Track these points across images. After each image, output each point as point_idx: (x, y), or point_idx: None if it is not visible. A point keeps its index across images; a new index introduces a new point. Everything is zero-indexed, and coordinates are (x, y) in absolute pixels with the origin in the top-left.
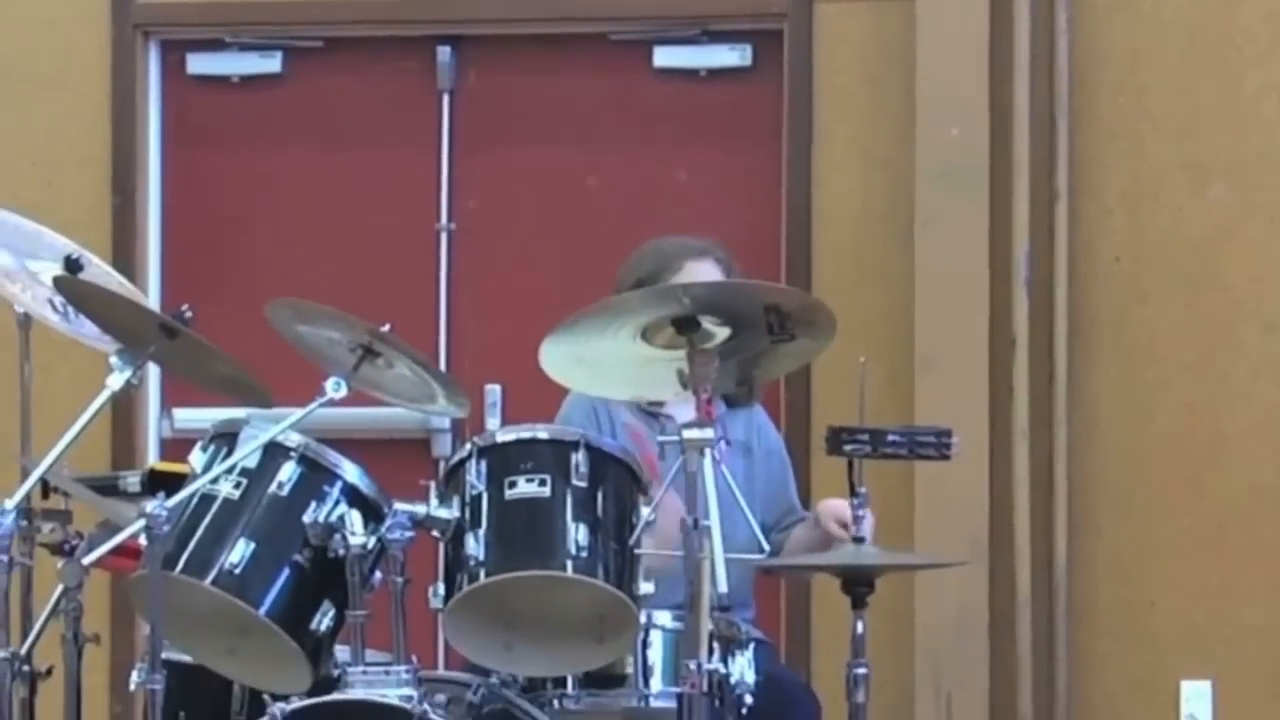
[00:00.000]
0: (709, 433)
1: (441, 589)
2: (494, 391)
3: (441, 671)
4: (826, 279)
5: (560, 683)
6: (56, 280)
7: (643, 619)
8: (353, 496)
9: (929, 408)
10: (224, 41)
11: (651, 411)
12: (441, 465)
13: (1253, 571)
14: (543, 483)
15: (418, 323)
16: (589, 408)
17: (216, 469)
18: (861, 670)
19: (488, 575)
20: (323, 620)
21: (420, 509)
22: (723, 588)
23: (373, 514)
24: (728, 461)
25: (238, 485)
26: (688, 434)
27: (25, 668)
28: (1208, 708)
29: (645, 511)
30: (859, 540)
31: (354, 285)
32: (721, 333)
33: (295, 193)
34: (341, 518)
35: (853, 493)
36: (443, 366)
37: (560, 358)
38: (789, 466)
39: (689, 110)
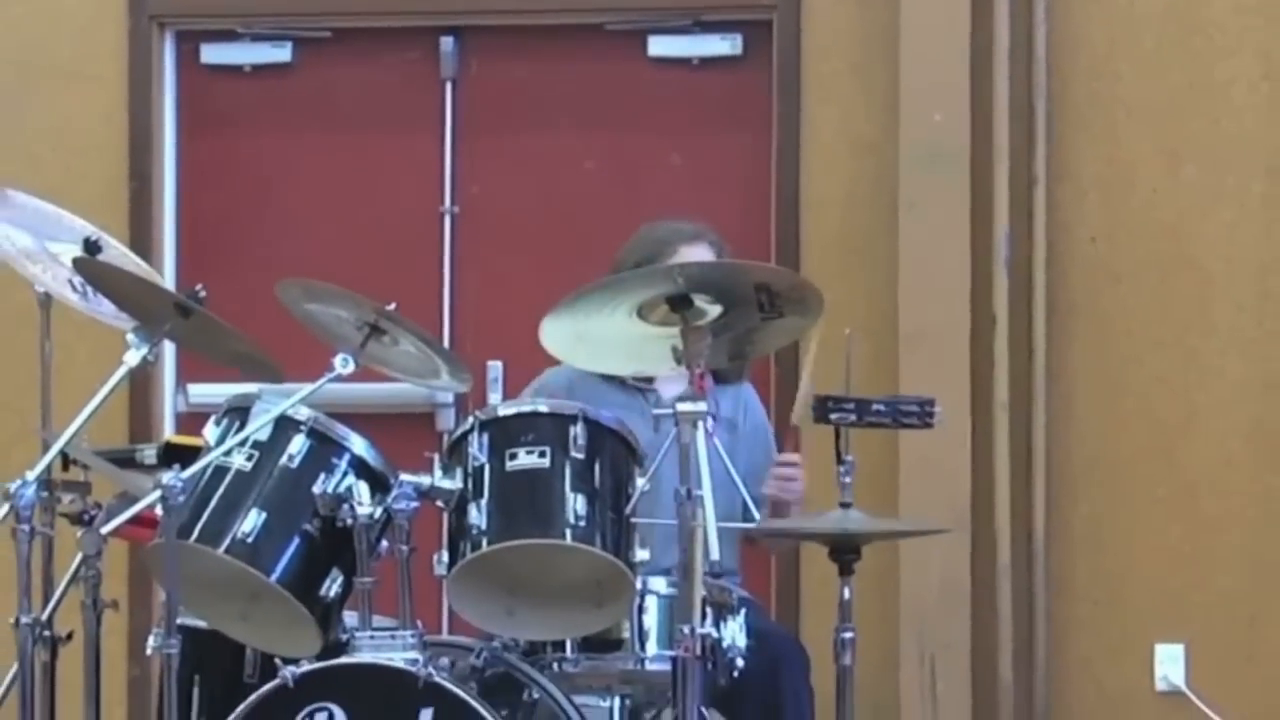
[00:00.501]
0: (701, 405)
1: (445, 557)
2: (496, 367)
3: (445, 636)
4: (814, 259)
5: (560, 646)
6: (76, 261)
7: (638, 585)
8: (360, 468)
9: (913, 383)
10: (236, 32)
11: (639, 386)
12: (445, 438)
13: (1224, 539)
14: (542, 454)
15: (422, 302)
16: (568, 382)
17: (230, 442)
18: (848, 635)
19: (490, 544)
20: (331, 587)
21: (425, 480)
22: (715, 555)
23: (379, 485)
24: (715, 435)
25: (250, 457)
26: (681, 407)
27: (46, 633)
28: (1181, 670)
29: (640, 482)
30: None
31: (361, 266)
32: (714, 310)
33: (305, 177)
34: (349, 488)
35: (839, 460)
36: (447, 343)
37: (560, 335)
38: (773, 444)
39: (682, 98)
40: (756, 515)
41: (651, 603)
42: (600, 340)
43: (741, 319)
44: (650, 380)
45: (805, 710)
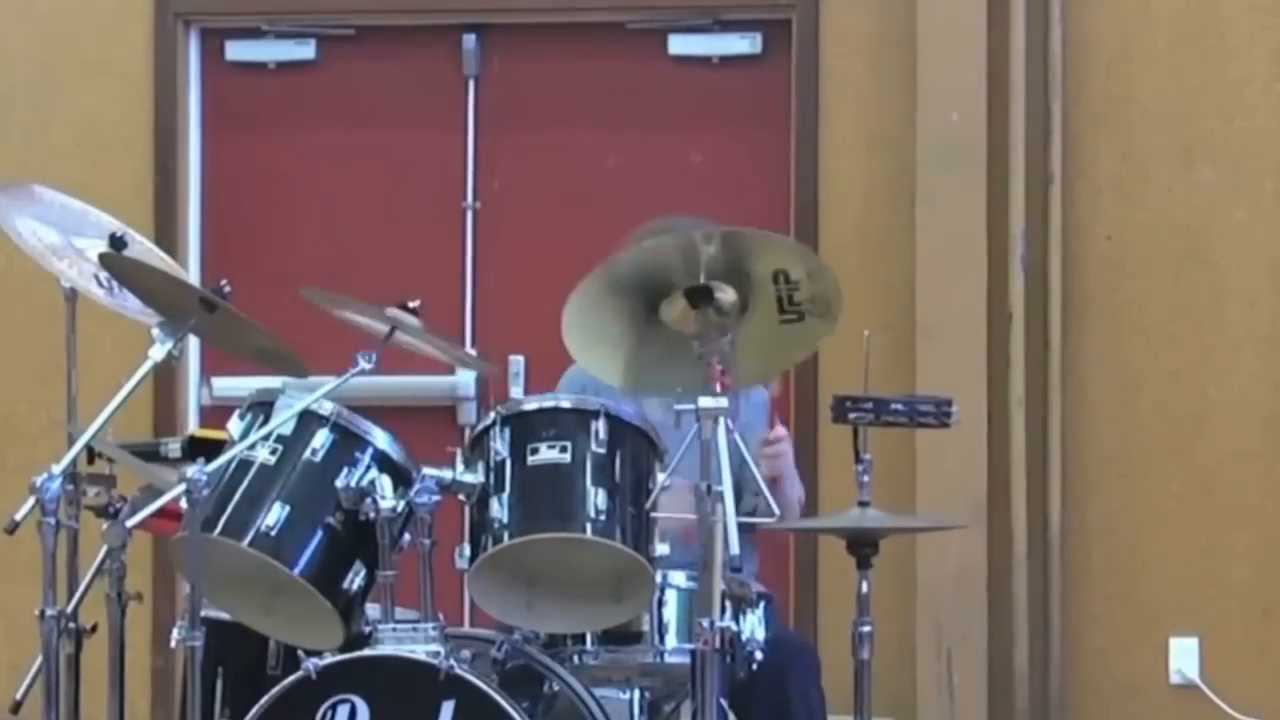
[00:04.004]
0: (722, 402)
1: (467, 550)
2: (517, 362)
3: (467, 628)
4: (832, 255)
5: (580, 639)
6: (101, 256)
7: (658, 579)
8: (383, 462)
9: (930, 377)
10: (261, 30)
11: None
12: (467, 432)
13: (1237, 533)
14: (564, 449)
15: (445, 297)
16: (579, 386)
17: (253, 436)
18: (866, 628)
19: (511, 537)
20: (354, 580)
21: (447, 474)
22: (734, 550)
23: (402, 479)
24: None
25: (274, 451)
26: (701, 403)
27: (71, 625)
28: (1195, 663)
29: (661, 477)
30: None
31: (384, 261)
32: (732, 298)
33: (328, 173)
34: (372, 482)
35: (857, 459)
36: (469, 338)
37: (578, 333)
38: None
39: (702, 95)
40: (776, 510)
41: (671, 596)
42: (617, 347)
43: (760, 318)
44: None
45: (816, 713)
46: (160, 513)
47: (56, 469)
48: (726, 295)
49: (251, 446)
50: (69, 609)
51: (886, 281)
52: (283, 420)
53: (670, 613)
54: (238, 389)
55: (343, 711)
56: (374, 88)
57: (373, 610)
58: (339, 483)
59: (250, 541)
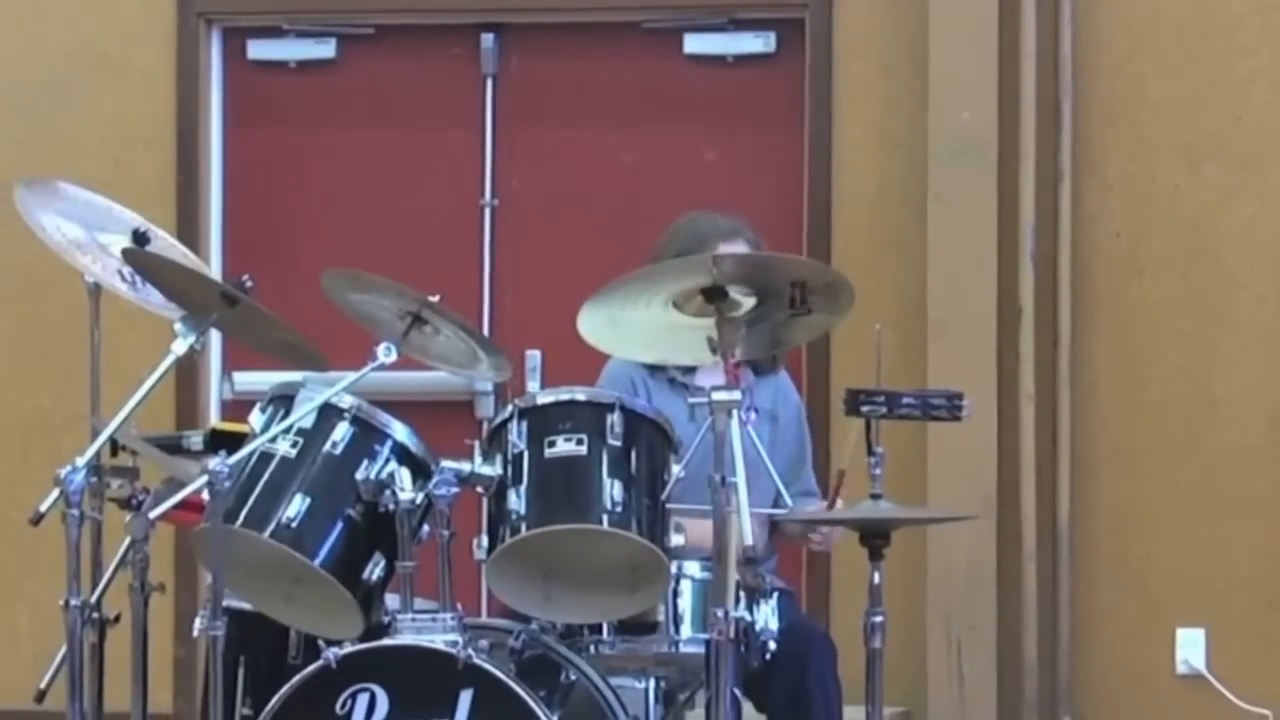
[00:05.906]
0: (736, 394)
1: (485, 541)
2: (534, 356)
3: (484, 619)
4: (845, 251)
5: (596, 629)
6: (125, 252)
7: (673, 570)
8: (402, 455)
9: (941, 372)
10: (282, 29)
11: (684, 382)
12: (485, 426)
13: (1243, 526)
14: (580, 442)
15: (463, 292)
16: (627, 378)
17: (275, 429)
18: (878, 618)
19: (528, 529)
20: (374, 570)
21: (465, 467)
22: (749, 541)
23: (421, 471)
24: (755, 428)
25: (295, 444)
26: (716, 395)
27: (95, 615)
28: (1201, 653)
29: (676, 469)
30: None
31: (403, 257)
32: (748, 303)
33: (348, 171)
34: (392, 475)
35: (870, 452)
36: (486, 333)
37: (596, 320)
38: (806, 428)
39: (717, 94)
40: (790, 503)
41: (686, 586)
42: (634, 327)
43: (771, 313)
44: (691, 371)
45: (832, 702)
46: (182, 504)
47: (80, 461)
48: (743, 298)
49: (272, 439)
50: (93, 599)
51: (898, 277)
52: (303, 413)
53: (685, 603)
54: (259, 383)
55: (362, 700)
56: (393, 86)
57: (392, 600)
58: (359, 475)
59: (271, 533)
